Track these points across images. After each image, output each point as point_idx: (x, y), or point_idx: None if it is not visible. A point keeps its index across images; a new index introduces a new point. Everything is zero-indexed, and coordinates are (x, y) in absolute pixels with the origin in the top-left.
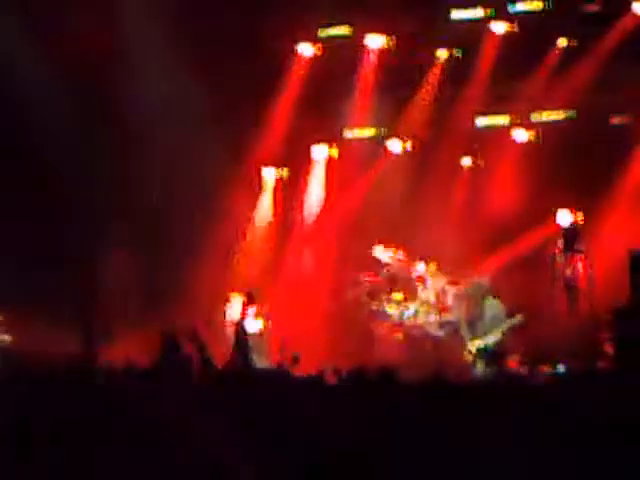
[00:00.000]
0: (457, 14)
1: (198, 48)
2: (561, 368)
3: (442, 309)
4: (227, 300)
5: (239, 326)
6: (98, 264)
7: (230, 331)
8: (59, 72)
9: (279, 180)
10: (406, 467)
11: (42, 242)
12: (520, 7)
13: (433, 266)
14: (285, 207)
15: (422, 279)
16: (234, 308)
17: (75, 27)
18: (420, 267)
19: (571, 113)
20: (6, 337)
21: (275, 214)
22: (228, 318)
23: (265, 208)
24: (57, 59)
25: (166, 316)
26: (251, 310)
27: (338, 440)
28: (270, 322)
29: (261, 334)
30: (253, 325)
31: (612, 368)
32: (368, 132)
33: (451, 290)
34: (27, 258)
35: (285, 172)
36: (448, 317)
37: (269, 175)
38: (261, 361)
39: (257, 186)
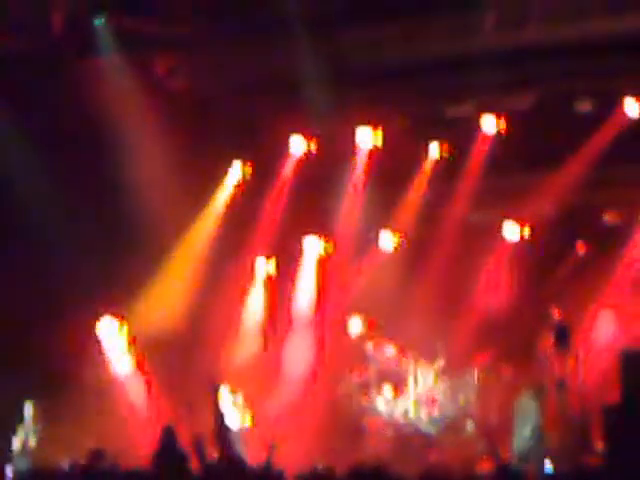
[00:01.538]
0: (448, 110)
1: (191, 140)
2: (548, 465)
3: (433, 405)
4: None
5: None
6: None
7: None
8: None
9: (270, 274)
10: None
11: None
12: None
13: (424, 361)
14: (276, 301)
15: (412, 374)
16: (223, 399)
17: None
18: (410, 362)
19: None
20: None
21: (266, 307)
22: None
23: (256, 301)
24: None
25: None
26: (235, 404)
27: None
28: (251, 417)
29: (243, 428)
30: (236, 419)
31: (601, 465)
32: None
33: (442, 386)
34: None
35: (274, 265)
36: (438, 413)
37: (261, 268)
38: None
39: (248, 279)
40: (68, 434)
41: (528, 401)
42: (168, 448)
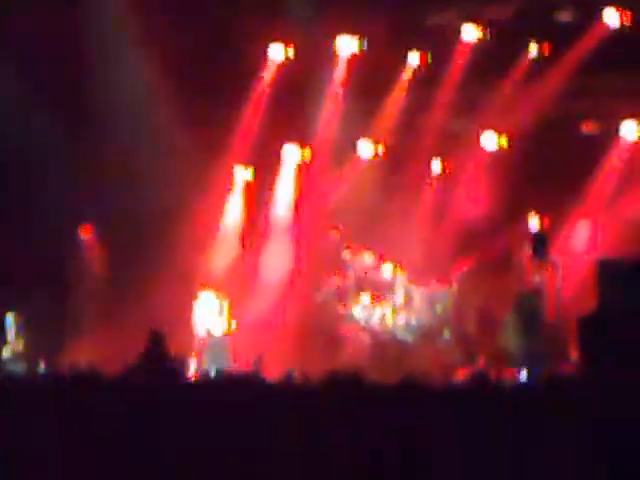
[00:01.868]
0: (431, 18)
1: (168, 48)
2: (524, 373)
3: (410, 312)
4: (195, 298)
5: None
6: (67, 259)
7: (198, 329)
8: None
9: (249, 181)
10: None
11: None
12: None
13: (401, 269)
14: (254, 208)
15: (390, 282)
16: (202, 307)
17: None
18: (388, 270)
19: None
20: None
21: (244, 215)
22: (195, 317)
23: (234, 208)
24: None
25: (133, 313)
26: (216, 309)
27: (308, 444)
28: (236, 323)
29: (226, 335)
30: (216, 325)
31: (574, 373)
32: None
33: (418, 294)
34: None
35: (253, 173)
36: (415, 320)
37: (239, 175)
38: (220, 362)
39: (227, 186)
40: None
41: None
42: (155, 353)
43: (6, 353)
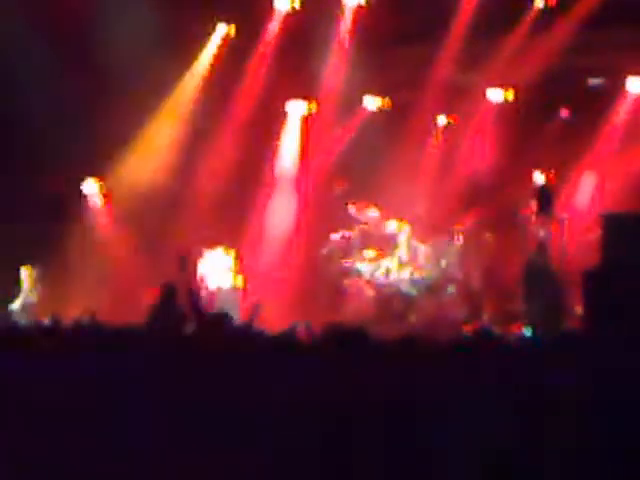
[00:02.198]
0: None
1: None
2: (529, 330)
3: (414, 267)
4: (200, 254)
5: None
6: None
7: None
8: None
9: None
10: (376, 428)
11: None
12: None
13: (406, 224)
14: (260, 162)
15: (395, 236)
16: (207, 262)
17: None
18: (393, 225)
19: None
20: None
21: (249, 169)
22: (202, 269)
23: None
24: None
25: (141, 268)
26: (225, 264)
27: (308, 401)
28: (243, 277)
29: (236, 289)
30: (226, 280)
31: (579, 329)
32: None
33: (423, 249)
34: None
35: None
36: (420, 275)
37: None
38: (233, 314)
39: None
40: (61, 294)
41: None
42: (168, 305)
43: (16, 306)
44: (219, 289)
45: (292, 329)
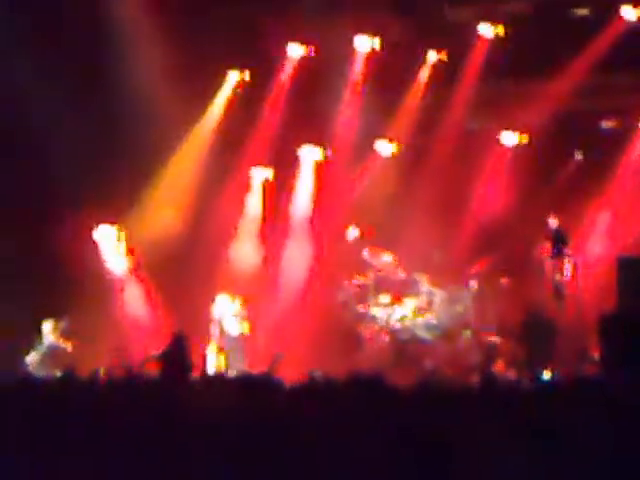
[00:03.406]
0: (449, 15)
1: (188, 45)
2: (546, 374)
3: (430, 312)
4: (213, 300)
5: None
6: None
7: (215, 330)
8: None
9: (267, 181)
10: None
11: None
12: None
13: (421, 269)
14: (273, 208)
15: (409, 282)
16: (220, 308)
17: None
18: (408, 270)
19: None
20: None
21: (263, 215)
22: (214, 318)
23: (253, 209)
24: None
25: (156, 315)
26: (232, 311)
27: (329, 447)
28: (250, 325)
29: (242, 336)
30: (235, 327)
31: (597, 373)
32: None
33: (438, 294)
34: None
35: (272, 173)
36: (435, 320)
37: (258, 176)
38: (237, 364)
39: (246, 187)
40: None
41: None
42: (177, 354)
43: (34, 357)
44: (225, 335)
45: (310, 376)
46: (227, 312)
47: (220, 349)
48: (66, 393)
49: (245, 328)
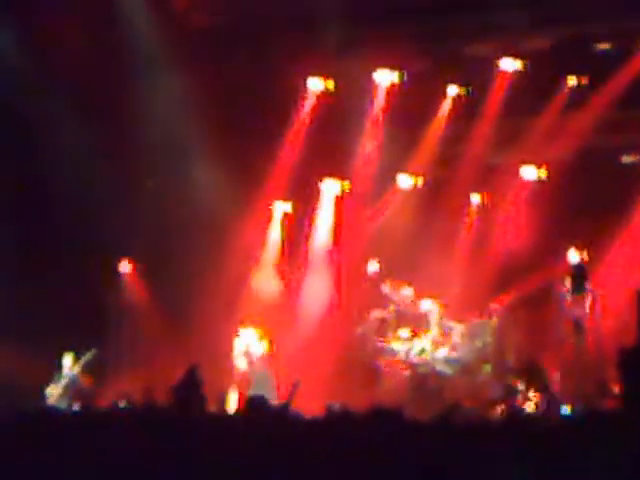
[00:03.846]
0: (469, 50)
1: (207, 82)
2: (566, 409)
3: (449, 346)
4: (236, 333)
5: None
6: (108, 295)
7: (240, 363)
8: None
9: (288, 214)
10: None
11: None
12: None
13: (440, 303)
14: (294, 241)
15: (429, 316)
16: (243, 341)
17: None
18: (427, 304)
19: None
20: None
21: (283, 247)
22: (237, 351)
23: (274, 242)
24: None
25: (176, 348)
26: (257, 345)
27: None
28: (276, 357)
29: (266, 371)
30: (259, 361)
31: (618, 408)
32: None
33: (458, 328)
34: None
35: (293, 206)
36: (455, 354)
37: (278, 209)
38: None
39: (267, 220)
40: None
41: None
42: (191, 386)
43: (55, 390)
44: (251, 367)
45: (329, 409)
46: (253, 345)
47: (244, 382)
48: (85, 425)
49: (270, 361)
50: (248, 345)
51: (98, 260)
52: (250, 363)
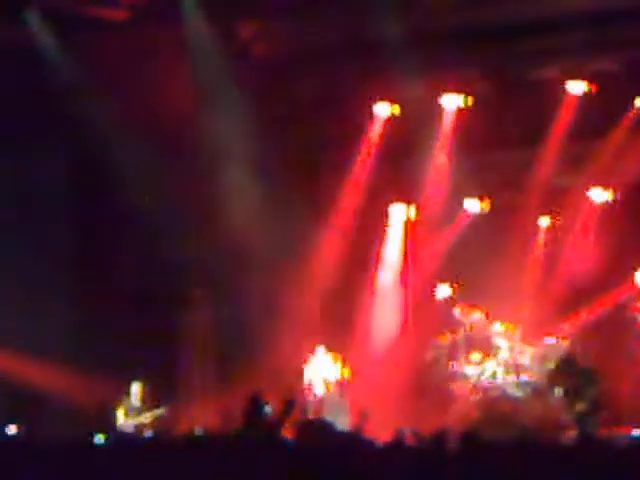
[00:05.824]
0: (535, 73)
1: (278, 107)
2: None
3: (520, 369)
4: (310, 357)
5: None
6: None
7: (315, 387)
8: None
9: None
10: None
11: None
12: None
13: (511, 326)
14: (363, 267)
15: (500, 339)
16: (317, 364)
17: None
18: (498, 327)
19: None
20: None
21: (356, 273)
22: (311, 375)
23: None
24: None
25: (247, 373)
26: (331, 370)
27: None
28: (350, 382)
29: (341, 395)
30: (334, 386)
31: None
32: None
33: (529, 351)
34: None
35: (363, 231)
36: (526, 378)
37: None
38: (341, 421)
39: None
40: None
41: None
42: (254, 416)
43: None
44: (326, 395)
45: (400, 435)
46: (327, 371)
47: (318, 407)
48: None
49: (344, 385)
50: (323, 369)
51: (167, 286)
52: (325, 388)
